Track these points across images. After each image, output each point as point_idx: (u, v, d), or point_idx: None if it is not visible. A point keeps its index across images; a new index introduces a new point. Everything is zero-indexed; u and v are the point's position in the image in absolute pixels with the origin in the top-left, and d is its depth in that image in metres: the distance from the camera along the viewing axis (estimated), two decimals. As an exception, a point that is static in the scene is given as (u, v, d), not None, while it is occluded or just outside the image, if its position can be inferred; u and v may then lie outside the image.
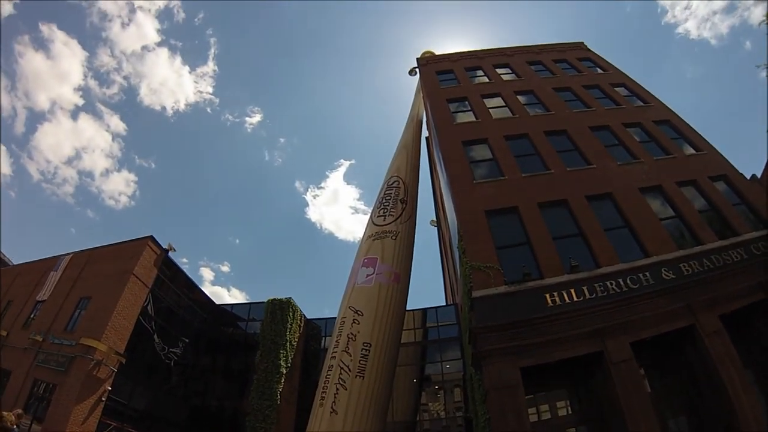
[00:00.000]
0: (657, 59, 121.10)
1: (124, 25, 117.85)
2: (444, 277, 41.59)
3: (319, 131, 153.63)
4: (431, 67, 27.80)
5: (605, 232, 14.85)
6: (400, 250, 20.86)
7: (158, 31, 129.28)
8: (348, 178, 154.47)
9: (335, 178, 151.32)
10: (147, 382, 25.47)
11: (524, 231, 15.05)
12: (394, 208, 22.69)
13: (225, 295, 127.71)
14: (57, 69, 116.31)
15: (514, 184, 16.88)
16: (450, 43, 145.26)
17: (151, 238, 26.40)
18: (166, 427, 26.54)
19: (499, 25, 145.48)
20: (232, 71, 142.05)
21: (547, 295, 12.78)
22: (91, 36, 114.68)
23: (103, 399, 21.45)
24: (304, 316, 32.57)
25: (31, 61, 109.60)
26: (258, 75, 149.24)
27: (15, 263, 35.40)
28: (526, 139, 19.56)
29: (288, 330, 29.53)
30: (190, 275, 30.77)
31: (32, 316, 26.59)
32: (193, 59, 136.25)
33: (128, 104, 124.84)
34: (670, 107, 21.65)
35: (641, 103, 22.09)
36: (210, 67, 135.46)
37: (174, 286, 28.62)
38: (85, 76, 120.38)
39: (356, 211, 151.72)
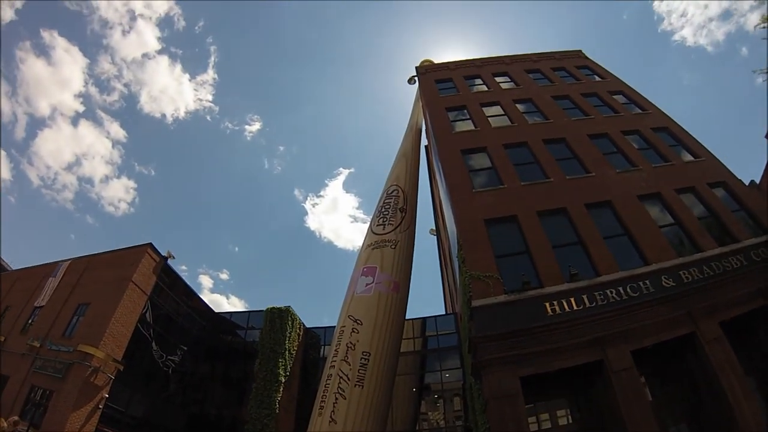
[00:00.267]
0: (654, 66, 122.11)
1: (124, 33, 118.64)
2: (443, 286, 41.43)
3: (319, 139, 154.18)
4: (430, 76, 27.87)
5: (605, 240, 14.82)
6: (399, 259, 20.78)
7: (159, 38, 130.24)
8: (347, 187, 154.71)
9: (334, 187, 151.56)
10: (145, 390, 25.29)
11: (523, 240, 15.02)
12: (393, 217, 22.63)
13: (224, 303, 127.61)
14: (58, 75, 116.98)
15: (514, 193, 16.87)
16: (449, 52, 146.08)
17: (150, 245, 26.34)
18: (164, 434, 26.21)
19: (497, 34, 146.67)
20: (231, 79, 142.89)
21: (547, 304, 12.73)
22: (92, 43, 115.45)
23: (100, 406, 21.33)
24: (303, 325, 32.42)
25: (33, 67, 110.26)
26: (258, 83, 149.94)
27: (14, 268, 35.17)
28: (525, 148, 19.59)
29: (287, 338, 29.37)
30: (189, 283, 30.73)
31: (30, 321, 26.52)
32: (193, 67, 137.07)
33: (128, 111, 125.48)
34: (668, 114, 21.76)
35: (639, 111, 22.18)
36: (210, 75, 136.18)
37: (173, 294, 28.53)
38: (86, 83, 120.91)
39: (355, 219, 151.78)
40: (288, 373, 28.76)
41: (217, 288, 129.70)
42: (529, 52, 29.18)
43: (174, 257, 27.68)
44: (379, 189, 26.42)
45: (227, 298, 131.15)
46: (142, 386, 25.10)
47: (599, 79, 25.43)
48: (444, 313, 37.58)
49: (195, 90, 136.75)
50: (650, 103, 22.66)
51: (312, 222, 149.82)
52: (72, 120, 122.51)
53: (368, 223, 24.09)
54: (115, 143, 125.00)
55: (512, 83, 25.77)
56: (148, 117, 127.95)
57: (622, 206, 16.11)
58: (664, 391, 12.46)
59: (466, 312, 13.97)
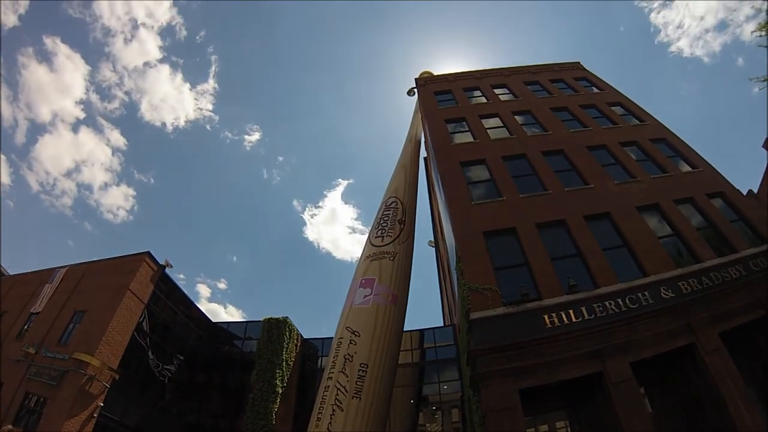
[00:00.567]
0: (651, 78, 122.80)
1: (126, 41, 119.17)
2: (442, 298, 41.32)
3: (318, 150, 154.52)
4: (429, 88, 28.03)
5: (603, 252, 14.87)
6: (398, 271, 20.79)
7: (160, 47, 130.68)
8: (346, 198, 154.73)
9: (333, 198, 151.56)
10: (140, 399, 25.06)
11: (522, 252, 15.06)
12: (392, 229, 22.65)
13: (221, 313, 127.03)
14: (59, 82, 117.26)
15: (512, 205, 16.95)
16: (448, 64, 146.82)
17: (148, 254, 26.27)
18: (160, 444, 25.90)
19: (496, 46, 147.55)
20: (232, 89, 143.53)
21: (546, 316, 12.75)
22: (94, 50, 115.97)
23: (95, 415, 21.13)
24: (301, 336, 32.25)
25: (35, 73, 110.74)
26: (258, 93, 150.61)
27: (10, 273, 34.88)
28: (524, 160, 19.71)
29: (284, 349, 29.18)
30: (186, 291, 30.61)
31: (26, 327, 26.33)
32: (193, 76, 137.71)
33: (129, 119, 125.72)
34: (666, 125, 21.93)
35: (637, 122, 22.35)
36: (210, 84, 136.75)
37: (170, 303, 28.40)
38: (87, 90, 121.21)
39: (354, 230, 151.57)
40: (285, 384, 28.54)
41: (215, 297, 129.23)
42: (528, 64, 29.27)
43: (171, 266, 27.58)
44: (377, 200, 26.42)
45: (225, 307, 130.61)
46: (137, 395, 24.87)
47: (597, 91, 25.61)
48: (442, 324, 37.34)
49: (195, 99, 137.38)
50: (648, 114, 22.85)
51: (310, 233, 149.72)
52: (72, 126, 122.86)
53: (367, 235, 24.04)
54: (115, 151, 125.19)
55: (511, 95, 25.93)
56: (149, 125, 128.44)
57: (621, 218, 16.17)
58: (664, 403, 12.42)
59: (465, 324, 14.00)
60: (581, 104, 23.83)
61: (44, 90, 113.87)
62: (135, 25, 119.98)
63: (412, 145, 30.15)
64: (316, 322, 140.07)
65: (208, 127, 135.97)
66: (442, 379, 29.54)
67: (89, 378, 21.10)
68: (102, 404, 21.63)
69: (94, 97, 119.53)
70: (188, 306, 30.76)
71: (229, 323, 34.68)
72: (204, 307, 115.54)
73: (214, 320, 33.76)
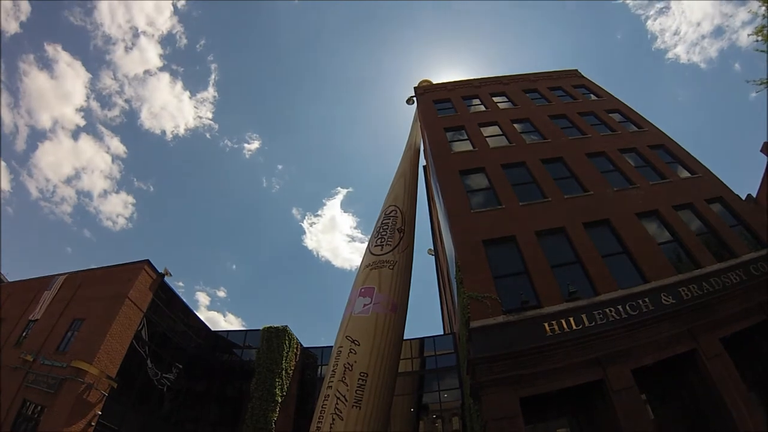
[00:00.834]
0: (649, 84, 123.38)
1: (127, 49, 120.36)
2: (442, 306, 41.16)
3: (317, 159, 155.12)
4: (428, 96, 28.14)
5: (603, 259, 14.91)
6: (397, 279, 20.80)
7: (160, 56, 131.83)
8: (345, 206, 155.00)
9: (332, 206, 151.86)
10: (139, 408, 24.90)
11: (522, 260, 15.11)
12: (391, 238, 22.69)
13: (221, 321, 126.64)
14: (60, 89, 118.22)
15: (512, 213, 17.03)
16: (447, 72, 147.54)
17: (147, 262, 26.22)
18: (158, 454, 25.67)
19: (494, 54, 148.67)
20: (231, 98, 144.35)
21: (546, 324, 12.77)
22: (94, 58, 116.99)
23: (93, 424, 21.04)
24: (300, 345, 32.13)
25: (35, 79, 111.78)
26: (257, 102, 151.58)
27: (9, 280, 34.72)
28: (523, 167, 19.82)
29: (284, 358, 29.04)
30: (185, 299, 30.48)
31: (24, 334, 26.26)
32: (193, 84, 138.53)
33: (129, 127, 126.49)
34: (664, 131, 22.09)
35: (636, 129, 22.53)
36: (210, 92, 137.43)
37: (169, 311, 28.30)
38: (88, 98, 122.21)
39: (353, 239, 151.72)
40: (284, 393, 28.38)
41: (214, 305, 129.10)
42: (527, 72, 29.41)
43: (171, 275, 27.48)
44: (377, 209, 26.39)
45: (224, 315, 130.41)
46: (135, 404, 24.73)
47: (596, 98, 25.80)
48: (442, 332, 37.11)
49: (195, 107, 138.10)
50: (646, 120, 23.05)
51: (310, 241, 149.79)
52: (73, 133, 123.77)
53: (366, 243, 23.95)
54: (115, 158, 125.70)
55: (510, 103, 26.07)
56: (148, 133, 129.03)
57: (621, 224, 16.24)
58: (665, 409, 12.41)
59: (465, 333, 14.08)
60: (580, 111, 24.00)
61: (45, 97, 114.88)
62: (136, 33, 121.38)
63: (412, 153, 30.19)
64: (316, 330, 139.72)
65: (207, 135, 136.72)
66: (443, 387, 29.37)
67: (87, 386, 21.03)
68: (100, 413, 21.50)
69: (94, 105, 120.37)
70: (187, 314, 30.66)
71: (228, 332, 34.55)
72: (203, 315, 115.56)
73: (213, 329, 33.71)
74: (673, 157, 20.19)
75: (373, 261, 21.67)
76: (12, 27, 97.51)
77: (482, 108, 25.81)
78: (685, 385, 12.39)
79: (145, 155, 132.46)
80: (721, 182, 18.42)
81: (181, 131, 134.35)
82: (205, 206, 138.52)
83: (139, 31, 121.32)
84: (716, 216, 16.81)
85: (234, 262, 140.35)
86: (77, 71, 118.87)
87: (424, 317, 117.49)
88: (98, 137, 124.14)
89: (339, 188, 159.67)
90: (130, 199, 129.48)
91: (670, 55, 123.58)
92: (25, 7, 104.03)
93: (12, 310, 28.31)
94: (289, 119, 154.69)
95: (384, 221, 24.02)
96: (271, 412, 26.89)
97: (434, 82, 31.40)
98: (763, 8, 16.59)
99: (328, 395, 16.74)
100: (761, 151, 18.46)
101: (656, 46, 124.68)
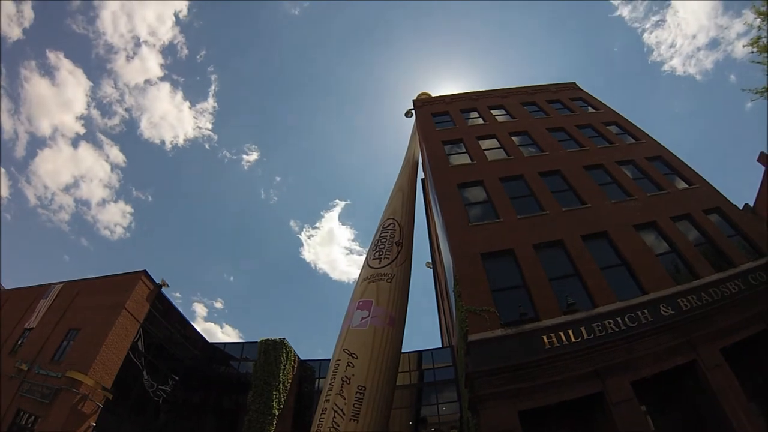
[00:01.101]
0: (645, 96, 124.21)
1: (128, 58, 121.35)
2: (440, 318, 40.96)
3: (315, 171, 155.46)
4: (427, 109, 28.29)
5: (602, 271, 14.95)
6: (395, 293, 20.87)
7: (161, 65, 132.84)
8: (343, 219, 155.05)
9: (330, 219, 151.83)
10: (134, 419, 24.71)
11: (520, 273, 15.15)
12: (389, 251, 22.78)
13: (218, 332, 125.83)
14: (61, 96, 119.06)
15: (510, 226, 17.09)
16: (446, 85, 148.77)
17: (145, 272, 26.22)
18: (153, 466, 25.35)
19: (493, 67, 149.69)
20: (231, 109, 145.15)
21: (545, 337, 12.80)
22: (96, 66, 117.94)
23: (88, 435, 20.52)
24: (298, 357, 31.96)
25: (36, 86, 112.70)
26: (257, 113, 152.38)
27: (5, 287, 34.41)
28: (521, 181, 19.94)
29: (281, 371, 28.84)
30: (183, 310, 30.38)
31: (20, 343, 26.20)
32: (194, 95, 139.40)
33: (128, 136, 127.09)
34: (661, 143, 22.24)
35: (633, 141, 22.70)
36: (210, 103, 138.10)
37: (166, 322, 28.22)
38: (88, 106, 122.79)
39: (351, 251, 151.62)
40: (282, 406, 28.15)
41: (211, 317, 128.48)
42: (525, 85, 29.55)
43: (168, 285, 27.42)
44: (375, 221, 26.37)
45: (221, 327, 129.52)
46: (131, 416, 24.59)
47: (593, 111, 26.01)
48: (440, 344, 36.86)
49: (195, 118, 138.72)
50: (644, 132, 23.26)
51: (307, 253, 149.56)
52: (72, 141, 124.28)
53: (364, 256, 23.92)
54: (114, 167, 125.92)
55: (508, 116, 26.24)
56: (148, 143, 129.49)
57: (619, 236, 16.30)
58: (665, 421, 12.28)
59: (463, 346, 14.07)
60: (577, 124, 24.19)
61: (45, 104, 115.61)
62: (137, 43, 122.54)
63: (410, 166, 30.29)
64: (313, 343, 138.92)
65: (206, 145, 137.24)
66: (441, 400, 29.19)
67: (82, 397, 20.99)
68: (94, 424, 21.44)
69: (94, 113, 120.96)
70: (184, 325, 30.55)
71: (225, 344, 34.44)
72: (200, 326, 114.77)
73: (210, 340, 33.70)
74: (670, 169, 20.33)
75: (371, 274, 21.72)
76: (15, 33, 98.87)
77: (480, 121, 25.99)
78: (685, 396, 12.36)
79: (145, 165, 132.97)
80: (719, 192, 18.51)
81: (181, 141, 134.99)
82: (203, 217, 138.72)
83: (141, 40, 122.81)
84: (714, 226, 16.88)
85: (231, 274, 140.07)
86: (78, 79, 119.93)
87: (423, 330, 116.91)
88: (98, 146, 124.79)
89: (337, 200, 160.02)
90: (129, 208, 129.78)
91: (666, 67, 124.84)
92: (29, 14, 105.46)
93: (7, 317, 28.22)
94: (288, 131, 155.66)
95: (382, 234, 24.10)
96: (268, 426, 26.72)
97: (433, 95, 31.52)
98: (759, 20, 16.86)
99: (326, 408, 16.70)
100: (758, 160, 18.49)
101: (652, 59, 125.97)
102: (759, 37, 16.43)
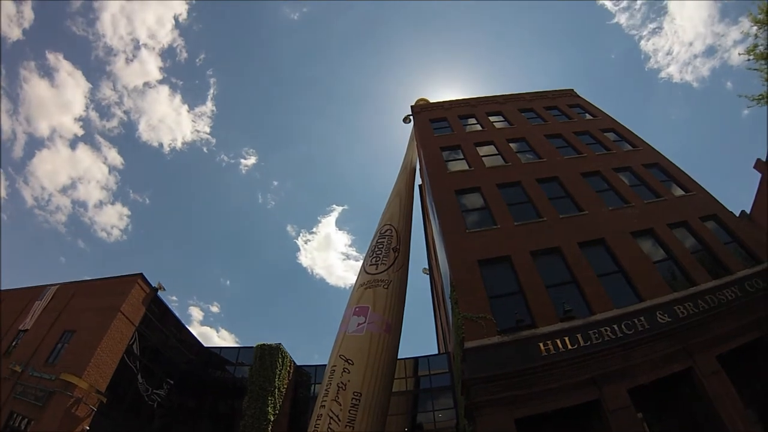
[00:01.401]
0: (642, 103, 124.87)
1: (128, 61, 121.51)
2: (436, 325, 40.86)
3: (313, 176, 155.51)
4: (425, 115, 28.34)
5: (599, 278, 15.01)
6: (392, 299, 20.88)
7: (160, 68, 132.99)
8: (340, 224, 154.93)
9: (327, 224, 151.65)
10: (128, 424, 24.50)
11: (517, 280, 15.20)
12: (386, 257, 22.81)
13: (214, 336, 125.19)
14: (60, 98, 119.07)
15: (507, 233, 17.15)
16: (444, 91, 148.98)
17: (141, 275, 26.14)
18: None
19: (491, 73, 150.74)
20: (229, 112, 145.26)
21: (541, 344, 12.84)
22: (95, 68, 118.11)
23: (81, 438, 20.35)
24: (294, 363, 31.84)
25: (36, 87, 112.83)
26: (255, 118, 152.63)
27: (0, 288, 34.15)
28: (518, 187, 20.01)
29: (277, 376, 28.70)
30: (179, 314, 30.30)
31: (14, 344, 26.03)
32: (192, 98, 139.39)
33: (127, 138, 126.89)
34: (658, 150, 22.35)
35: (630, 148, 22.85)
36: (208, 107, 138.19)
37: (162, 326, 28.11)
38: (87, 108, 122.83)
39: (348, 257, 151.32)
40: (277, 412, 27.97)
41: (207, 321, 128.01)
42: (523, 92, 29.65)
43: (164, 289, 27.40)
44: (372, 227, 26.35)
45: (217, 331, 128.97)
46: (125, 420, 24.36)
47: (591, 118, 26.18)
48: (437, 351, 36.69)
49: (193, 121, 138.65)
50: (641, 139, 23.44)
51: (304, 258, 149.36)
52: (70, 143, 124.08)
53: (361, 262, 23.88)
54: (112, 169, 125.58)
55: (506, 122, 26.34)
56: (146, 145, 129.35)
57: (616, 243, 16.36)
58: (663, 428, 12.36)
59: (459, 353, 14.13)
60: (575, 131, 24.33)
61: (44, 105, 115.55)
62: (137, 46, 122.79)
63: (408, 172, 30.30)
64: (309, 348, 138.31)
65: (204, 149, 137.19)
66: (437, 407, 29.11)
67: (76, 400, 20.82)
68: (88, 428, 21.23)
69: (93, 115, 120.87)
70: (180, 329, 30.41)
71: (221, 348, 34.31)
72: (196, 330, 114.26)
73: (206, 344, 33.55)
74: (667, 176, 20.46)
75: (367, 280, 21.75)
76: (15, 33, 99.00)
77: (478, 127, 26.08)
78: (682, 404, 12.38)
79: (142, 167, 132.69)
80: (716, 200, 18.62)
81: (179, 144, 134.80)
82: (200, 221, 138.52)
83: (141, 43, 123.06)
84: (711, 233, 16.97)
85: (228, 278, 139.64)
86: (77, 81, 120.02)
87: (419, 336, 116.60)
88: (96, 147, 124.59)
89: (334, 206, 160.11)
90: (126, 210, 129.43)
91: (663, 74, 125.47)
92: (29, 14, 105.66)
93: (2, 319, 27.99)
94: (286, 136, 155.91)
95: (379, 240, 24.14)
96: (263, 431, 26.36)
97: (431, 101, 31.58)
98: (755, 28, 16.98)
99: (321, 414, 16.67)
100: (754, 167, 18.54)
101: (649, 66, 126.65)
102: (756, 45, 16.57)
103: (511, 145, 23.44)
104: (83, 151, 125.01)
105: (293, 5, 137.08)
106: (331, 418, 16.24)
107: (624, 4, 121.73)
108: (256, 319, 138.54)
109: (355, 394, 16.82)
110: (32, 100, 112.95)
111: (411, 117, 30.72)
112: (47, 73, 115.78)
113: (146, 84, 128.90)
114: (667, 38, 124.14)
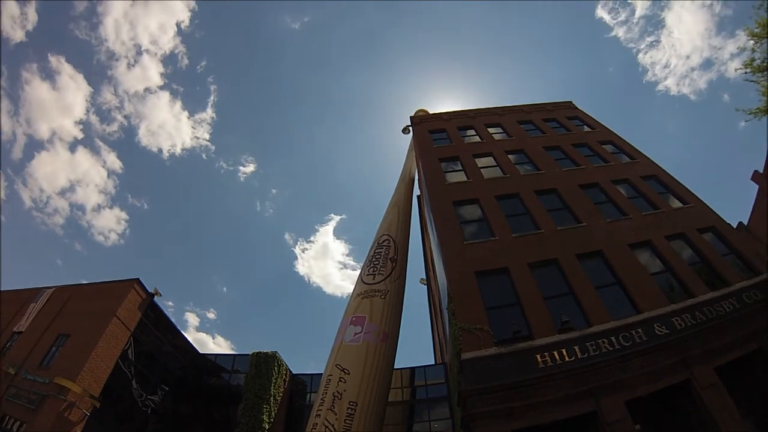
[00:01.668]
0: (640, 116, 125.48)
1: (129, 66, 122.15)
2: (433, 335, 40.62)
3: (311, 184, 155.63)
4: (424, 126, 28.47)
5: (596, 290, 15.05)
6: (388, 309, 20.84)
7: (162, 74, 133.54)
8: (338, 233, 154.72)
9: (325, 233, 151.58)
10: (121, 429, 24.35)
11: (514, 292, 15.23)
12: (384, 267, 22.82)
13: (209, 343, 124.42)
14: (61, 101, 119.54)
15: (505, 245, 17.20)
16: (444, 101, 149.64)
17: (138, 281, 26.07)
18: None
19: (491, 85, 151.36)
20: (229, 120, 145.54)
21: (538, 356, 12.84)
22: (97, 72, 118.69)
23: (73, 443, 20.11)
24: (290, 371, 31.55)
25: (37, 89, 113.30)
26: (254, 126, 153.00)
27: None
28: (516, 199, 20.09)
29: (272, 384, 28.41)
30: (174, 319, 30.10)
31: (8, 345, 25.82)
32: (192, 105, 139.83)
33: (126, 143, 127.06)
34: (656, 162, 22.50)
35: (628, 160, 23.01)
36: (208, 114, 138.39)
37: (157, 332, 27.96)
38: (88, 111, 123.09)
39: (345, 266, 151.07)
40: (272, 420, 27.65)
41: (203, 327, 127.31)
42: (522, 104, 29.73)
43: (161, 295, 27.19)
44: (369, 237, 26.24)
45: (213, 337, 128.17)
46: (118, 425, 24.17)
47: (589, 130, 26.38)
48: (433, 361, 36.40)
49: (193, 128, 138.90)
50: (639, 151, 23.62)
51: (301, 267, 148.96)
52: (70, 146, 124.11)
53: (358, 271, 23.83)
54: (111, 173, 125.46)
55: (505, 134, 26.49)
56: (145, 150, 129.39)
57: (613, 255, 16.41)
58: None
59: (456, 364, 14.17)
60: (573, 143, 24.50)
61: (45, 107, 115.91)
62: (139, 51, 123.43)
63: (406, 183, 30.35)
64: (305, 356, 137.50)
65: (203, 156, 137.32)
66: (433, 417, 28.85)
67: (69, 404, 20.64)
68: (81, 433, 20.93)
69: (93, 119, 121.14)
70: (175, 335, 30.23)
71: (216, 355, 33.91)
72: (192, 336, 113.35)
73: (202, 350, 33.39)
74: (665, 188, 20.58)
75: (364, 290, 21.75)
76: (18, 35, 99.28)
77: (477, 139, 26.23)
78: (680, 416, 12.36)
79: (141, 172, 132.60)
80: (713, 211, 18.70)
81: (178, 150, 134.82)
82: (198, 227, 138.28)
83: (143, 48, 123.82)
84: (708, 245, 17.03)
85: (225, 285, 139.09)
86: (79, 84, 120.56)
87: (416, 346, 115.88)
88: (95, 151, 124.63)
89: (332, 215, 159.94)
90: (124, 215, 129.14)
91: (660, 87, 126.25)
92: (32, 16, 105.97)
93: (1, 319, 27.76)
94: (285, 144, 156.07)
95: (377, 250, 24.17)
96: (258, 440, 26.00)
97: (431, 112, 31.68)
98: (752, 42, 17.12)
99: (317, 423, 16.59)
100: (752, 179, 18.51)
101: (647, 79, 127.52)
102: (753, 59, 16.72)
103: (510, 156, 23.58)
104: (83, 155, 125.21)
105: (294, 15, 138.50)
106: (327, 427, 16.12)
107: (622, 17, 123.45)
108: (252, 327, 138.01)
109: (351, 403, 16.73)
110: (33, 101, 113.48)
111: (410, 128, 30.78)
112: (49, 75, 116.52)
113: (147, 89, 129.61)
114: (664, 51, 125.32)
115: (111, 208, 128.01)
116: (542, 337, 13.23)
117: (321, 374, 19.56)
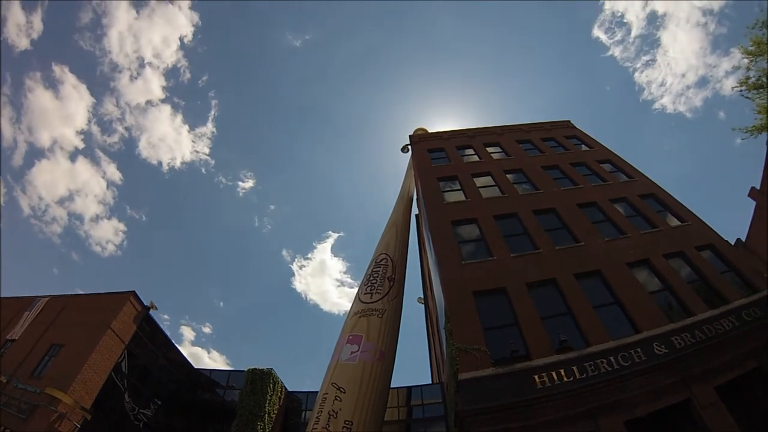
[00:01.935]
0: (637, 134, 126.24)
1: (132, 78, 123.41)
2: (430, 354, 40.17)
3: (310, 201, 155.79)
4: (423, 145, 28.67)
5: (594, 310, 14.99)
6: (385, 328, 20.77)
7: (163, 88, 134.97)
8: (336, 251, 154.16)
9: (322, 250, 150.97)
10: (112, 442, 23.33)
11: (512, 312, 15.16)
12: (381, 286, 22.79)
13: (205, 357, 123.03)
14: (63, 110, 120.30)
15: (503, 265, 17.20)
16: (443, 121, 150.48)
17: (134, 293, 26.04)
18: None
19: (489, 104, 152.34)
20: (229, 135, 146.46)
21: (536, 377, 12.74)
22: (100, 83, 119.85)
23: (62, 455, 19.75)
24: (285, 388, 31.22)
25: (40, 97, 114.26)
26: (254, 141, 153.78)
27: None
28: (515, 218, 20.11)
29: (267, 401, 28.04)
30: (170, 333, 29.89)
31: (1, 353, 25.33)
32: (193, 119, 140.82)
33: (126, 154, 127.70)
34: (653, 180, 22.56)
35: (626, 178, 23.14)
36: (209, 128, 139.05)
37: (152, 345, 27.76)
38: (89, 122, 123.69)
39: (342, 284, 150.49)
40: (267, 437, 26.80)
41: (199, 341, 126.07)
42: (520, 123, 29.93)
43: (156, 308, 27.09)
44: (367, 255, 26.09)
45: (208, 352, 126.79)
46: (109, 439, 23.19)
47: (587, 149, 26.63)
48: (430, 380, 35.86)
49: (193, 141, 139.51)
50: (636, 170, 23.78)
51: (299, 284, 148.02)
52: (71, 155, 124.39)
53: (355, 289, 23.65)
54: (110, 184, 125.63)
55: (503, 153, 26.68)
56: (145, 163, 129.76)
57: (612, 275, 16.39)
58: None
59: (453, 384, 14.02)
60: (572, 162, 24.68)
61: (47, 116, 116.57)
62: (142, 64, 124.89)
63: (404, 202, 30.43)
64: (301, 374, 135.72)
65: (203, 170, 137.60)
66: (429, 437, 28.02)
67: (60, 416, 20.41)
68: (70, 445, 20.58)
69: (95, 129, 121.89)
70: (170, 349, 30.00)
71: (211, 371, 33.59)
72: (187, 350, 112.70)
73: (196, 365, 33.23)
74: (662, 206, 20.66)
75: (362, 309, 21.71)
76: (23, 43, 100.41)
77: (476, 158, 26.43)
78: None
79: (140, 184, 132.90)
80: (711, 229, 18.76)
81: (178, 164, 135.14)
82: (195, 240, 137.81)
83: (146, 61, 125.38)
84: (707, 263, 17.02)
85: (221, 299, 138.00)
86: (81, 94, 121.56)
87: (412, 365, 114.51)
88: (95, 162, 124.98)
89: (330, 232, 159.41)
90: (122, 226, 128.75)
91: (656, 105, 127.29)
92: (38, 26, 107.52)
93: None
94: (285, 161, 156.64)
95: (374, 269, 24.19)
96: (252, 456, 25.45)
97: (430, 131, 31.74)
98: (746, 60, 17.30)
99: None
100: (749, 195, 18.42)
101: (643, 97, 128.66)
102: (748, 77, 16.94)
103: (508, 176, 23.71)
104: (83, 164, 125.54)
105: (296, 32, 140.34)
106: (322, 445, 16.19)
107: (618, 37, 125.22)
108: (248, 342, 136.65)
109: (347, 422, 16.54)
110: (35, 109, 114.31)
111: (409, 147, 30.87)
112: (52, 84, 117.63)
113: (149, 102, 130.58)
114: (660, 70, 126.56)
115: (109, 218, 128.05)
116: (540, 358, 13.17)
117: (317, 392, 19.34)
